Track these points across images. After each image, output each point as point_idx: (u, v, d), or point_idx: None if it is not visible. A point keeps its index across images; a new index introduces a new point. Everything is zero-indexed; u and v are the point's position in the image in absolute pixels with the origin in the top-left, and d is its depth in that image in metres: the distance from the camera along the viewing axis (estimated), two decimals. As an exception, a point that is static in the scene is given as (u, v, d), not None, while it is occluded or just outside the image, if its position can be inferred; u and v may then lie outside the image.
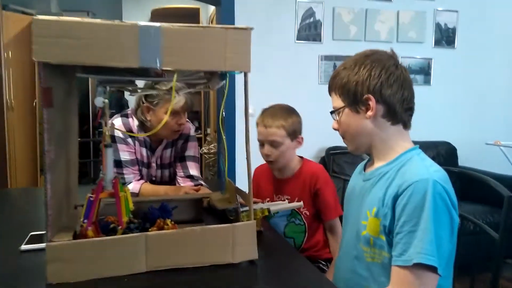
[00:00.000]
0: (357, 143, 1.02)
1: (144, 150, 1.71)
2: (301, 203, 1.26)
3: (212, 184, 1.96)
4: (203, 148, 3.33)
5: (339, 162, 3.00)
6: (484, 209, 2.71)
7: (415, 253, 0.84)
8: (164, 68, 0.88)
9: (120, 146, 1.64)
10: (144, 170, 1.75)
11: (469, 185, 3.13)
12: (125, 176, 1.65)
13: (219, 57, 0.90)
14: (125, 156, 1.64)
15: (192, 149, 1.80)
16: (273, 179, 1.59)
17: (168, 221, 1.11)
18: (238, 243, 0.96)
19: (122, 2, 5.46)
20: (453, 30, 3.33)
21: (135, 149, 1.69)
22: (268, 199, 1.58)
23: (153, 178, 1.81)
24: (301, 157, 1.60)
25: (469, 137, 3.37)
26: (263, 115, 1.51)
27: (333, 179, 1.96)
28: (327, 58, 3.12)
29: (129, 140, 1.66)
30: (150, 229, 1.08)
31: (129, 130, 1.66)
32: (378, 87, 0.95)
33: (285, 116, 1.48)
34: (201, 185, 1.73)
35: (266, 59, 3.01)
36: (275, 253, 1.11)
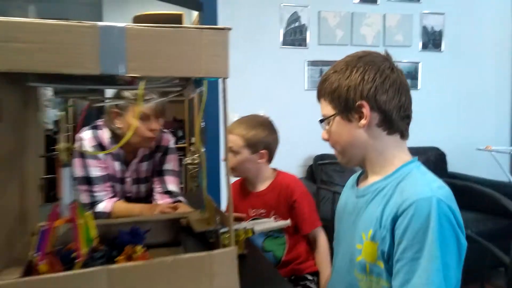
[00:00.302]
0: (350, 155, 0.92)
1: (117, 164, 1.58)
2: (289, 221, 1.15)
3: (195, 196, 1.84)
4: (187, 158, 3.19)
5: (327, 171, 2.90)
6: (476, 217, 2.63)
7: (420, 285, 0.73)
8: (130, 75, 0.76)
9: (90, 162, 1.51)
10: (118, 186, 1.62)
11: (457, 191, 3.07)
12: (96, 194, 1.51)
13: (193, 62, 0.79)
14: (95, 172, 1.51)
15: (171, 162, 1.67)
16: (247, 193, 1.53)
17: (138, 247, 0.98)
18: (216, 273, 0.84)
19: (103, 9, 5.31)
20: (440, 33, 3.28)
21: (107, 164, 1.55)
22: (245, 214, 1.50)
23: (128, 194, 1.68)
24: (275, 169, 1.55)
25: (458, 142, 3.31)
26: (235, 120, 1.48)
27: (321, 191, 1.86)
28: (313, 63, 3.03)
29: (100, 154, 1.53)
30: (117, 258, 0.95)
31: (100, 143, 1.52)
32: (372, 92, 0.85)
33: (250, 126, 1.44)
34: (180, 201, 1.60)
35: (251, 65, 2.91)
36: (260, 282, 1.00)
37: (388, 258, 0.79)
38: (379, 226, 0.80)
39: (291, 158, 3.02)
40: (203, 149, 1.12)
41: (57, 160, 0.80)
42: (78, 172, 1.52)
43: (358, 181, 0.97)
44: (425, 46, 3.24)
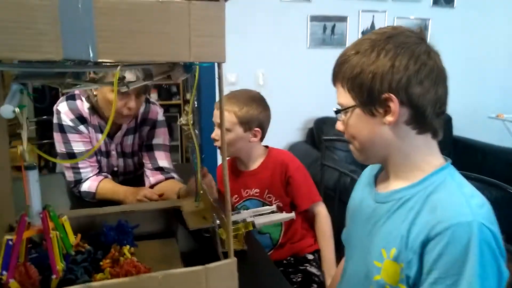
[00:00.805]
0: (369, 153, 0.79)
1: (100, 136, 1.45)
2: (293, 214, 1.04)
3: (190, 168, 1.72)
4: (181, 119, 3.02)
5: (327, 135, 2.77)
6: (480, 186, 2.54)
7: None
8: (101, 60, 0.61)
9: (71, 136, 1.37)
10: (104, 160, 1.49)
11: (461, 157, 2.97)
12: (81, 170, 1.39)
13: (180, 43, 0.63)
14: (78, 147, 1.38)
15: (161, 137, 1.53)
16: (238, 173, 1.43)
17: (126, 249, 0.88)
18: (214, 288, 0.74)
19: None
20: (453, -14, 3.03)
21: (89, 136, 1.42)
22: (236, 195, 1.41)
23: (115, 169, 1.55)
24: (266, 147, 1.45)
25: (466, 107, 3.16)
26: (226, 96, 1.35)
27: (326, 170, 1.74)
28: (317, 18, 2.81)
29: (81, 127, 1.39)
30: (102, 262, 0.85)
31: (79, 115, 1.38)
32: (403, 83, 0.69)
33: (243, 103, 1.34)
34: (173, 177, 1.49)
35: (249, 21, 2.69)
36: (261, 280, 0.90)
37: (414, 285, 0.68)
38: (405, 246, 0.68)
39: (290, 120, 2.88)
40: (196, 134, 0.98)
41: (20, 158, 0.67)
42: (60, 148, 1.39)
43: (376, 179, 0.85)
44: (436, 2, 3.01)
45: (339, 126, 0.81)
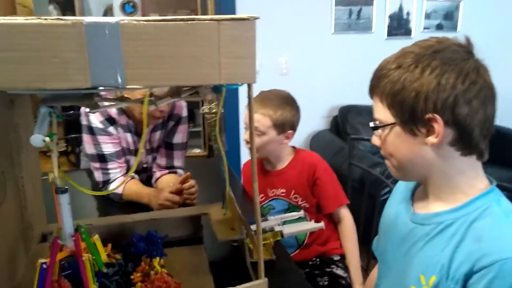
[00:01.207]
0: (407, 172, 0.75)
1: (129, 136, 1.45)
2: (322, 224, 1.02)
3: (212, 165, 1.71)
4: (204, 107, 3.01)
5: (353, 124, 2.72)
6: (513, 175, 2.46)
7: None
8: (130, 86, 0.60)
9: (101, 138, 1.38)
10: (133, 159, 1.50)
11: (495, 147, 2.86)
12: (110, 171, 1.40)
13: (209, 66, 0.61)
14: (108, 148, 1.39)
15: (181, 134, 1.54)
16: (264, 172, 1.42)
17: (156, 262, 0.88)
18: (245, 309, 0.73)
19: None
20: (488, -35, 2.87)
21: (119, 137, 1.43)
22: (262, 195, 1.40)
23: (145, 165, 1.57)
24: (293, 147, 1.44)
25: (503, 91, 3.02)
26: (257, 98, 1.32)
27: (351, 167, 1.70)
28: (342, 3, 2.72)
29: (111, 128, 1.39)
30: (133, 276, 0.85)
31: (108, 116, 1.38)
32: (450, 103, 0.65)
33: (277, 106, 1.32)
34: (175, 172, 1.54)
35: (271, 7, 2.62)
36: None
37: None
38: (446, 276, 0.65)
39: (314, 108, 2.82)
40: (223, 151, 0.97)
41: (53, 185, 0.67)
42: (89, 149, 1.41)
43: (413, 196, 0.81)
44: (469, -20, 2.86)
45: (376, 141, 0.77)
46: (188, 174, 1.34)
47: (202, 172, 1.72)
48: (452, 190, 0.71)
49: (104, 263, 0.88)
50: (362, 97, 2.70)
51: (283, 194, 1.38)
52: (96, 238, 0.74)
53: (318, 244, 1.38)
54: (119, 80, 0.59)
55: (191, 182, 1.33)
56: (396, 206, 0.85)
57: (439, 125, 0.66)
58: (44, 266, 0.67)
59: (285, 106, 1.32)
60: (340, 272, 1.31)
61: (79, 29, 0.56)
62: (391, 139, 0.73)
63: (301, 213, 1.10)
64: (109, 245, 0.93)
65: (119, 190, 1.38)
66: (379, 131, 0.75)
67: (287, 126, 1.33)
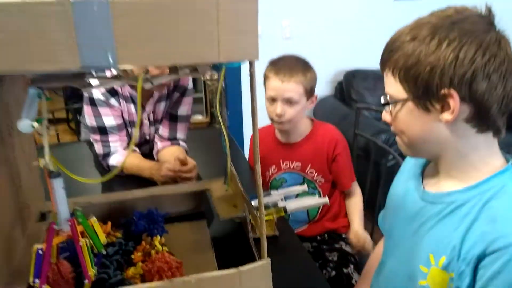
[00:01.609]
0: (419, 149, 0.72)
1: (132, 107, 1.41)
2: (326, 199, 1.00)
3: (214, 136, 1.68)
4: (206, 75, 2.94)
5: (358, 89, 2.66)
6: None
7: None
8: (122, 68, 0.56)
9: (103, 110, 1.34)
10: (136, 131, 1.47)
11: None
12: (111, 144, 1.38)
13: (208, 43, 0.57)
14: (109, 121, 1.35)
15: (186, 106, 1.49)
16: (279, 143, 1.37)
17: (157, 241, 0.87)
18: (247, 291, 0.72)
19: None
20: None
21: (121, 110, 1.39)
22: (274, 166, 1.36)
23: (147, 137, 1.54)
24: (311, 119, 1.38)
25: None
26: (277, 68, 1.25)
27: (356, 136, 1.67)
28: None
29: (112, 100, 1.35)
30: (134, 255, 0.84)
31: (110, 88, 1.34)
32: (468, 78, 0.60)
33: (304, 70, 1.25)
34: (178, 144, 1.50)
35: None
36: (293, 269, 0.89)
37: None
38: (457, 257, 0.63)
39: (319, 73, 2.70)
40: (225, 115, 0.93)
41: (45, 169, 0.64)
42: (90, 121, 1.37)
43: (423, 172, 0.79)
44: None
45: (386, 117, 0.73)
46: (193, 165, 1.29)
47: (204, 144, 1.70)
48: (466, 168, 0.68)
49: (104, 243, 0.87)
50: (367, 61, 2.65)
51: (298, 168, 1.34)
52: (93, 220, 0.72)
53: (328, 220, 1.36)
54: (110, 60, 0.55)
55: (190, 165, 1.28)
56: (404, 182, 0.82)
57: (454, 101, 0.62)
58: (40, 252, 0.65)
59: (309, 68, 1.27)
60: (348, 249, 1.30)
61: (66, 7, 0.51)
62: (402, 116, 0.69)
63: (305, 186, 1.08)
64: (109, 223, 0.92)
65: (120, 164, 1.36)
66: (390, 107, 0.71)
67: (314, 89, 1.29)
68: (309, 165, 1.32)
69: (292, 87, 1.22)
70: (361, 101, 2.62)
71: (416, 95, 0.65)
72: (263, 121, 1.39)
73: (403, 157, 1.33)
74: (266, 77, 1.28)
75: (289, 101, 1.24)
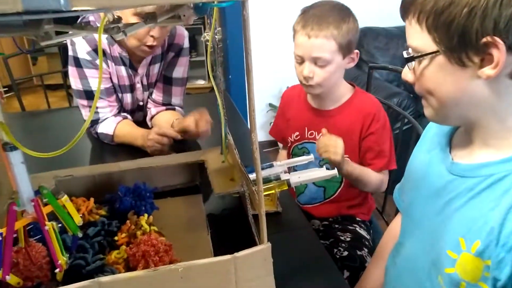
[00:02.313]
0: (450, 114, 0.60)
1: (123, 70, 1.28)
2: (335, 171, 0.87)
3: (214, 102, 1.56)
4: (205, 34, 2.77)
5: (368, 49, 2.50)
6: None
7: None
8: (77, 9, 0.43)
9: (88, 72, 1.21)
10: (128, 96, 1.34)
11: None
12: (99, 110, 1.26)
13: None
14: (97, 84, 1.23)
15: (182, 68, 1.35)
16: (308, 108, 1.17)
17: (143, 220, 0.77)
18: (244, 280, 0.62)
19: None
20: None
21: (109, 72, 1.26)
22: (298, 133, 1.19)
23: (141, 103, 1.41)
24: (353, 85, 1.15)
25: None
26: (305, 19, 1.03)
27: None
28: None
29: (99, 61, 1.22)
30: (117, 237, 0.74)
31: (97, 47, 1.20)
32: None
33: (338, 21, 1.00)
34: (174, 109, 1.37)
35: None
36: (297, 248, 0.79)
37: None
38: (495, 242, 0.52)
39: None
40: (221, 79, 0.81)
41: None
42: (76, 84, 1.25)
43: (450, 142, 0.67)
44: None
45: (408, 76, 0.61)
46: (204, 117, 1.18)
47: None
48: (505, 135, 0.56)
49: (86, 222, 0.78)
50: (379, 18, 2.46)
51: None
52: (65, 199, 0.62)
53: (346, 206, 1.18)
54: (61, 0, 0.42)
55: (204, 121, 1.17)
56: (426, 153, 0.70)
57: (500, 52, 0.49)
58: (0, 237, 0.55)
59: (347, 17, 1.01)
60: (363, 233, 1.14)
61: None
62: (431, 73, 0.56)
63: (311, 157, 0.96)
64: (91, 200, 0.82)
65: (110, 131, 1.25)
66: (414, 63, 0.58)
67: (353, 44, 1.04)
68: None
69: (320, 43, 1.00)
70: (372, 62, 2.46)
71: (449, 46, 0.53)
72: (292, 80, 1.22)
73: (420, 121, 1.20)
74: (294, 31, 1.07)
75: (318, 61, 1.03)
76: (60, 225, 0.62)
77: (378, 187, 1.12)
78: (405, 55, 0.59)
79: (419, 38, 0.56)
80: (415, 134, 1.15)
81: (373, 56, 2.48)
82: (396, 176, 1.08)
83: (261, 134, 3.09)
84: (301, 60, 1.06)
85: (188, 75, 1.40)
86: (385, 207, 1.33)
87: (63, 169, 0.88)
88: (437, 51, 0.54)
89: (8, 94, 3.87)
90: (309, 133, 1.17)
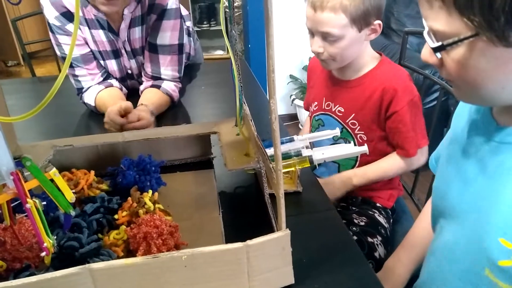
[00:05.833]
0: (493, 101, 0.50)
1: (101, 34, 1.17)
2: (366, 147, 0.77)
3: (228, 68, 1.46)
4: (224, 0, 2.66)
5: (398, 17, 2.33)
6: None
7: None
8: None
9: (61, 38, 1.13)
10: (112, 63, 1.23)
11: None
12: (80, 79, 1.17)
13: None
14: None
15: (167, 33, 1.18)
16: (328, 77, 1.09)
17: (147, 197, 0.68)
18: (258, 271, 0.54)
19: None
20: None
21: (83, 37, 1.16)
22: (316, 102, 1.11)
23: (129, 71, 1.30)
24: (380, 54, 1.04)
25: None
26: None
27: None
28: None
29: (69, 25, 1.11)
30: (117, 216, 0.67)
31: (66, 11, 1.11)
32: None
33: None
34: (159, 86, 1.21)
35: None
36: (319, 231, 0.70)
37: None
38: None
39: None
40: (238, 53, 0.71)
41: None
42: (56, 51, 1.17)
43: (492, 112, 0.55)
44: None
45: (430, 57, 0.50)
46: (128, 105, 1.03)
47: (220, 78, 1.48)
48: None
49: (84, 197, 0.70)
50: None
51: (340, 114, 1.05)
52: (53, 172, 0.53)
53: (364, 187, 1.06)
54: None
55: (137, 115, 1.04)
56: (463, 120, 0.60)
57: None
58: (-23, 216, 0.48)
59: None
60: (382, 220, 1.03)
61: None
62: (464, 59, 0.45)
63: (337, 131, 0.86)
64: (92, 173, 0.74)
65: (92, 102, 1.17)
66: (442, 54, 0.48)
67: (372, 15, 0.91)
68: (353, 115, 1.02)
69: (327, 18, 0.90)
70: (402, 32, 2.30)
71: (488, 27, 0.41)
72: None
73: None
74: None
75: (327, 36, 0.93)
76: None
77: (403, 171, 1.04)
78: (432, 44, 0.47)
79: (443, 20, 0.44)
80: (454, 104, 1.04)
81: (404, 25, 2.31)
82: (433, 146, 0.98)
83: (281, 107, 3.01)
84: (311, 33, 0.97)
85: (182, 41, 1.23)
86: (415, 189, 1.23)
87: (60, 139, 0.81)
88: (474, 35, 0.42)
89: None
90: (326, 103, 1.08)
